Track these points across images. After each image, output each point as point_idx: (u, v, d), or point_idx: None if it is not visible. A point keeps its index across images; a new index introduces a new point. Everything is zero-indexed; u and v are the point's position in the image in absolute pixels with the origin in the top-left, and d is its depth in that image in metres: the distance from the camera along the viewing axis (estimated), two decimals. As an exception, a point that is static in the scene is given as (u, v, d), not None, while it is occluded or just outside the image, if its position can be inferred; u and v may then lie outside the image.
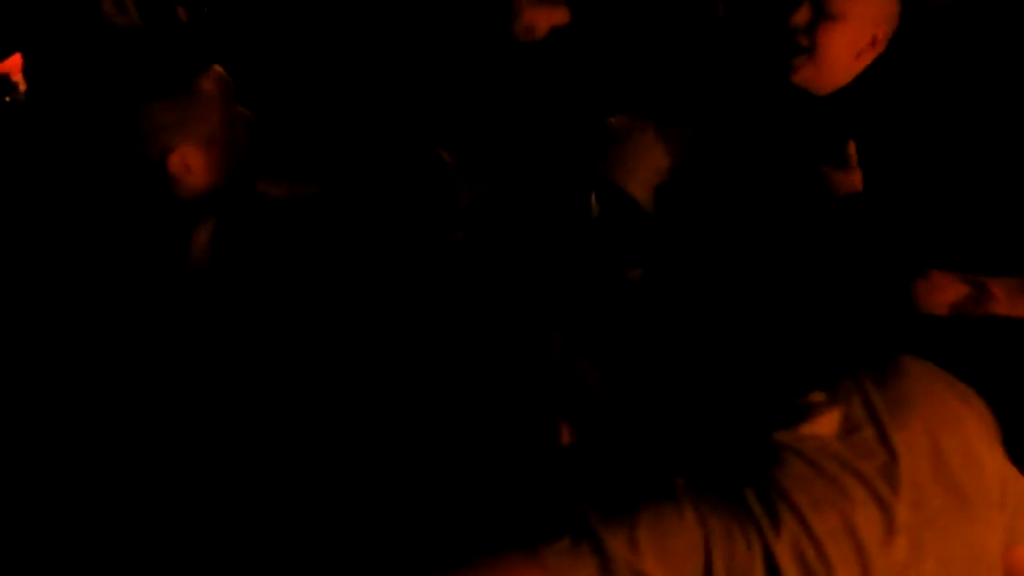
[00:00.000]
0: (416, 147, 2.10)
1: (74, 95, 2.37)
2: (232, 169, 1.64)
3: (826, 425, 1.35)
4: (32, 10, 3.26)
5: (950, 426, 1.39)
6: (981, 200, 2.03)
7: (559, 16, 2.69)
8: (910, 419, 1.37)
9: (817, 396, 1.38)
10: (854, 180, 2.08)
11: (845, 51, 2.25)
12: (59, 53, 3.12)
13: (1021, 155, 2.08)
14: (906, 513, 1.33)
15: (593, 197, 1.82)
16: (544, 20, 2.68)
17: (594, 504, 1.24)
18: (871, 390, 1.38)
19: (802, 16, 2.24)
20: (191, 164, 1.58)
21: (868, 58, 2.25)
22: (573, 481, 1.32)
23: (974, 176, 2.07)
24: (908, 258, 1.75)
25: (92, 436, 1.83)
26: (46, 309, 1.87)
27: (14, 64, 3.27)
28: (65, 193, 1.96)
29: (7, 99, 3.23)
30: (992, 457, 1.42)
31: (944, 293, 1.85)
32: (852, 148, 2.12)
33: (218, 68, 1.65)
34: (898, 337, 1.48)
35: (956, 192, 2.04)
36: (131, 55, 1.79)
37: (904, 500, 1.34)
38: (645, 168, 1.75)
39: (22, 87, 3.24)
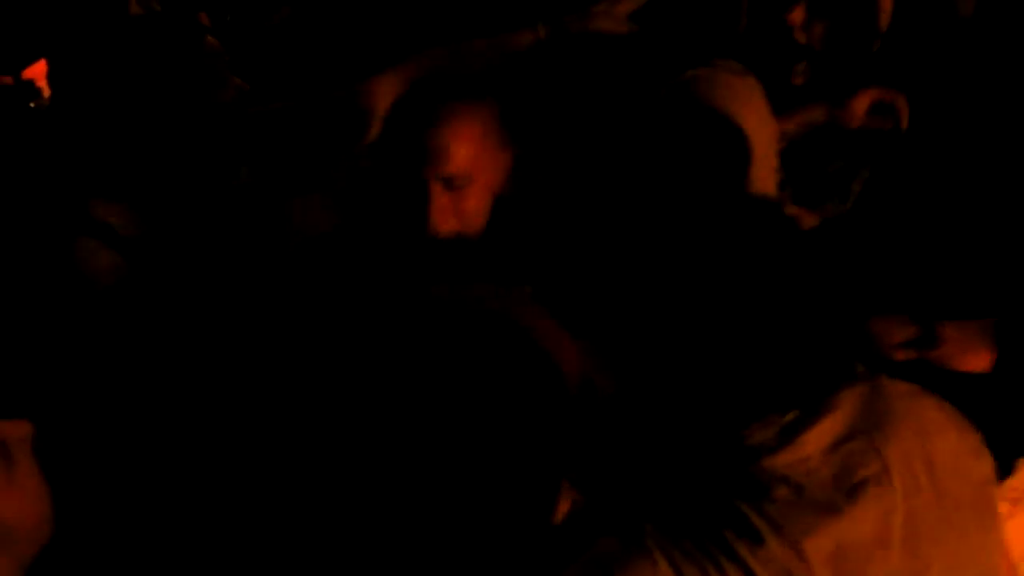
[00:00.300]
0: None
1: (98, 99, 2.39)
2: None
3: (813, 442, 1.32)
4: (57, 15, 3.28)
5: (937, 435, 1.39)
6: (943, 239, 2.00)
7: None
8: (899, 428, 1.36)
9: (793, 415, 1.35)
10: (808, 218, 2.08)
11: None
12: (85, 59, 3.13)
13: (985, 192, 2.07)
14: (901, 524, 1.32)
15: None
16: None
17: (566, 561, 1.21)
18: (856, 404, 1.36)
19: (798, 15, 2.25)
20: None
21: None
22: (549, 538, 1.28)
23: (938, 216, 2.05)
24: (860, 300, 1.72)
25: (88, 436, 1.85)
26: (59, 309, 1.89)
27: (39, 70, 3.29)
28: (86, 197, 1.97)
29: (32, 105, 3.25)
30: (979, 464, 1.42)
31: (892, 335, 1.81)
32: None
33: (236, 80, 1.88)
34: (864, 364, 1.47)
35: (921, 232, 2.02)
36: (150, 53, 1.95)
37: (899, 510, 1.32)
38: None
39: (47, 93, 3.27)
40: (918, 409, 1.40)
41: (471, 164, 1.81)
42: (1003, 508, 1.54)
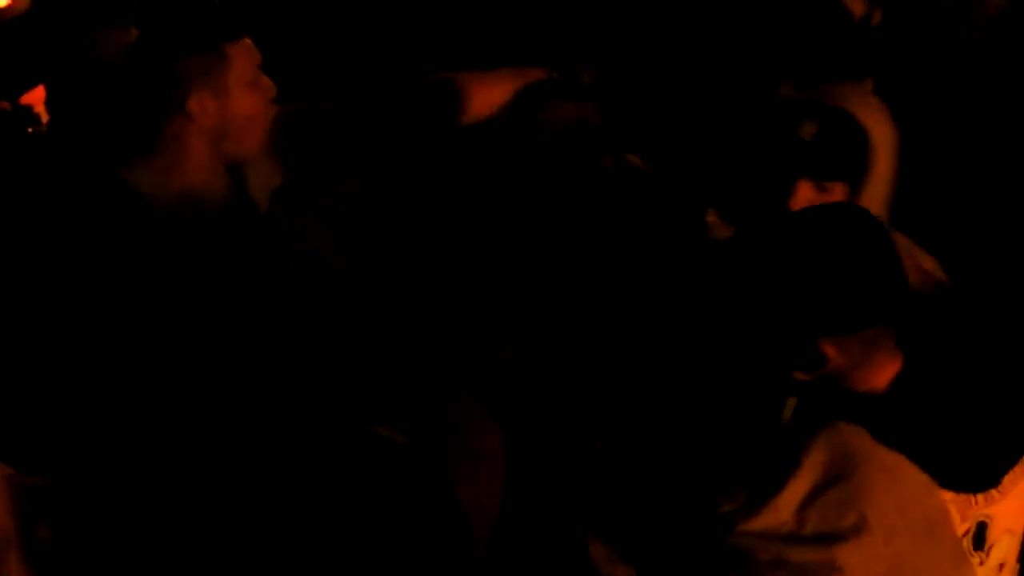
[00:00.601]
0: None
1: (96, 125, 2.37)
2: (253, 124, 1.93)
3: (785, 504, 1.31)
4: (56, 42, 3.27)
5: (899, 474, 1.38)
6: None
7: None
8: (866, 474, 1.34)
9: (760, 477, 1.33)
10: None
11: None
12: (83, 85, 3.12)
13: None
14: (885, 570, 1.30)
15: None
16: None
17: None
18: (819, 457, 1.34)
19: None
20: (207, 107, 1.87)
21: None
22: None
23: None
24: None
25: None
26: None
27: (37, 96, 3.27)
28: (81, 226, 1.95)
29: (30, 131, 3.23)
30: (933, 495, 1.41)
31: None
32: None
33: (247, 40, 1.93)
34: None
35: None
36: (172, 16, 2.01)
37: (883, 557, 1.30)
38: None
39: (44, 119, 3.25)
40: (877, 451, 1.38)
41: None
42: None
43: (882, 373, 1.49)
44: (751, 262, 1.48)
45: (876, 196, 1.88)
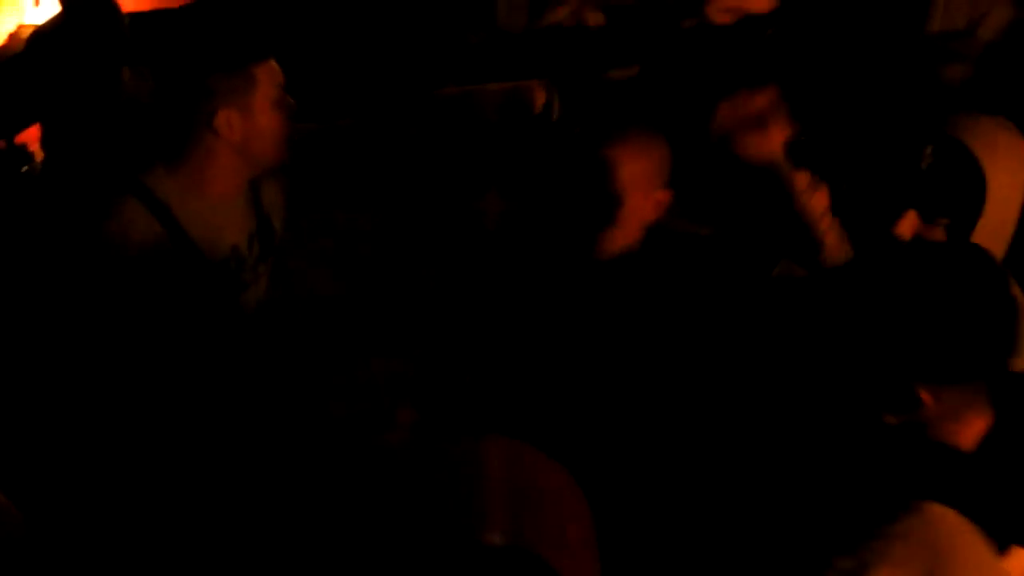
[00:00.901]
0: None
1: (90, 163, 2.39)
2: (275, 140, 2.02)
3: None
4: (51, 82, 3.29)
5: (986, 569, 1.33)
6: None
7: None
8: (958, 568, 1.29)
9: (845, 562, 1.28)
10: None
11: None
12: (78, 123, 3.13)
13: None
14: None
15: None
16: None
17: None
18: (911, 546, 1.28)
19: None
20: (232, 123, 1.96)
21: None
22: None
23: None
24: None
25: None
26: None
27: (32, 135, 3.29)
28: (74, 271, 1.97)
29: (24, 169, 3.24)
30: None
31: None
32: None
33: (273, 62, 2.02)
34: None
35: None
36: (204, 37, 2.11)
37: None
38: None
39: (39, 157, 3.26)
40: (969, 542, 1.32)
41: None
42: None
43: (971, 429, 1.42)
44: (864, 291, 1.43)
45: (993, 238, 1.80)
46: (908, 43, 2.62)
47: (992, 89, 2.53)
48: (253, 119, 1.98)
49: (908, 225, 1.71)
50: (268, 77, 2.00)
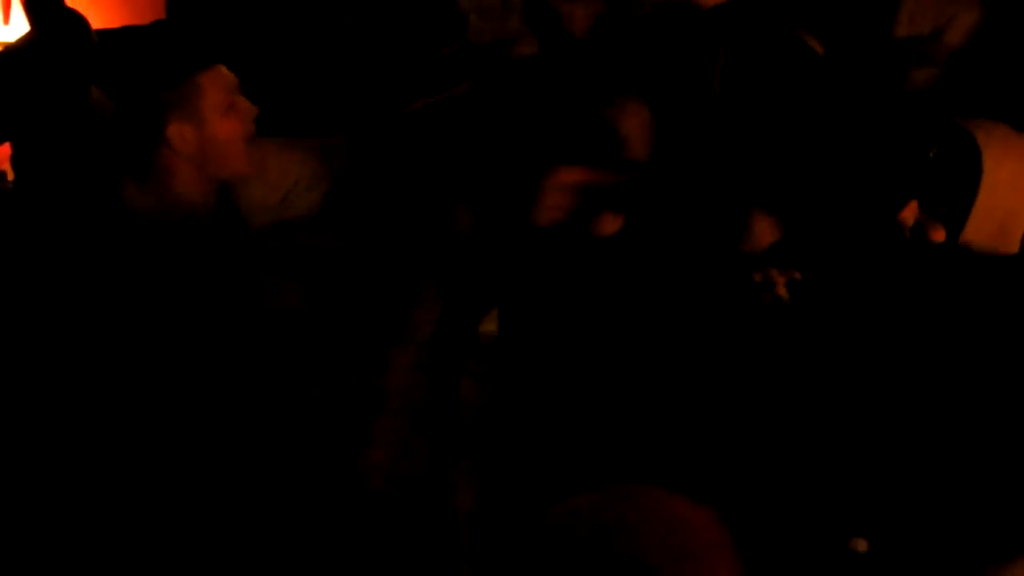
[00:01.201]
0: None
1: (61, 183, 2.37)
2: (232, 147, 2.01)
3: None
4: (20, 101, 3.27)
5: None
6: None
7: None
8: None
9: (860, 544, 1.28)
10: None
11: None
12: (48, 143, 3.11)
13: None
14: None
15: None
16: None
17: None
18: None
19: None
20: (185, 135, 1.95)
21: None
22: None
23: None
24: None
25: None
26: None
27: (3, 154, 3.27)
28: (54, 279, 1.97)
29: (-4, 188, 3.23)
30: None
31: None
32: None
33: (220, 67, 2.01)
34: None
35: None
36: (147, 53, 2.09)
37: None
38: None
39: (10, 176, 3.24)
40: None
41: None
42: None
43: None
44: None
45: (990, 227, 1.85)
46: (875, 47, 2.64)
47: (960, 92, 2.56)
48: (204, 128, 1.97)
49: (911, 213, 1.81)
50: (215, 84, 1.99)
